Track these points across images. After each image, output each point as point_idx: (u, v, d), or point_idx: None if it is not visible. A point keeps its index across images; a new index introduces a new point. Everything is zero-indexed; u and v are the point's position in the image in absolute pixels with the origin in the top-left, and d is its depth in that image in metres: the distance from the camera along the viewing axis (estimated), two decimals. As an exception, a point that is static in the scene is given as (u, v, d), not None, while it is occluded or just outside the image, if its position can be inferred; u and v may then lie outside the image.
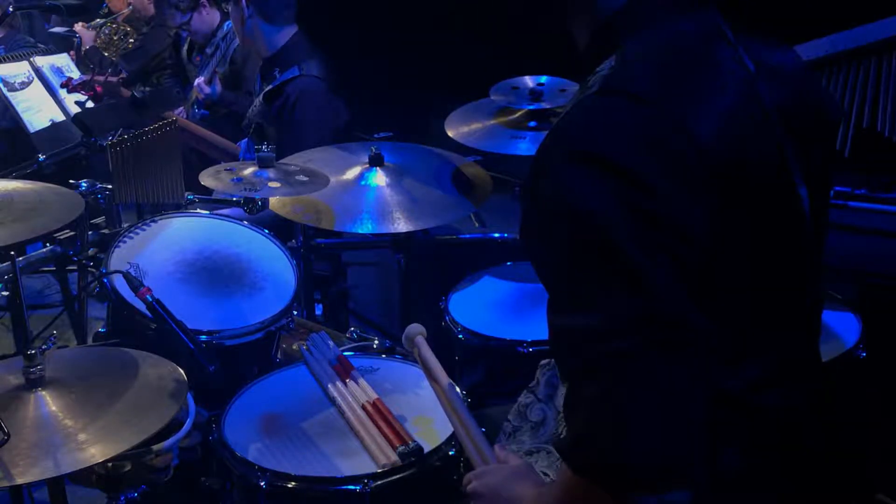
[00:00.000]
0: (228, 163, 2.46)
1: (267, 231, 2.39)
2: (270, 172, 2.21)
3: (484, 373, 2.21)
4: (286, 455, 1.73)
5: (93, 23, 4.91)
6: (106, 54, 4.68)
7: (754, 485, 1.11)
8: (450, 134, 2.58)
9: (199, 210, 2.48)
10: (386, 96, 3.76)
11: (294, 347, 2.24)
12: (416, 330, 1.67)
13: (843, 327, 2.09)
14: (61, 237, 2.16)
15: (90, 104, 3.37)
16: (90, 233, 2.27)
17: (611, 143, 0.99)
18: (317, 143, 2.81)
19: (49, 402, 1.48)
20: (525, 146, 2.50)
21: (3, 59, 3.78)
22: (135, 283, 1.82)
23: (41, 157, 2.94)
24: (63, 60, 4.02)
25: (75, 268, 2.49)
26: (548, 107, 2.54)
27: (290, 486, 1.64)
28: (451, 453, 1.72)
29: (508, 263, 2.59)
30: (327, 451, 1.75)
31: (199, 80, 3.94)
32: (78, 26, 4.92)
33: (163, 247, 2.25)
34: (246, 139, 3.30)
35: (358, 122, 3.23)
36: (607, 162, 0.97)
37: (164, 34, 4.85)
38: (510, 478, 1.32)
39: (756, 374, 1.10)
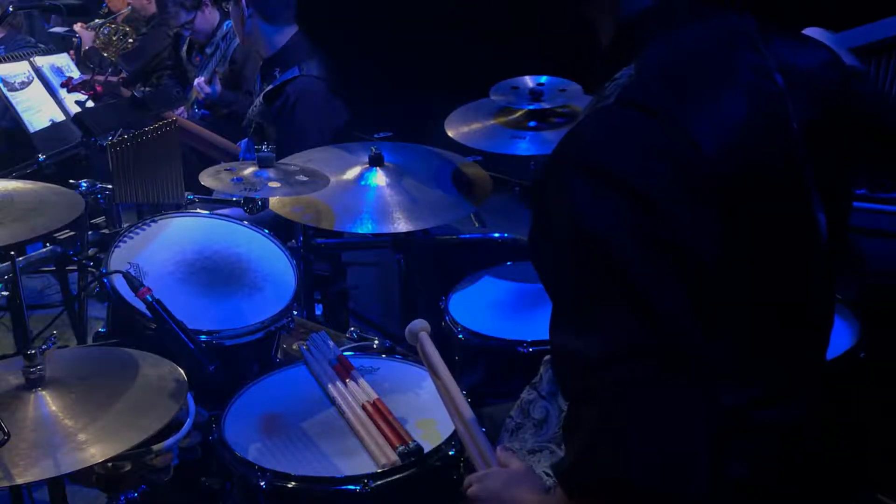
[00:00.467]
0: (228, 163, 2.46)
1: (267, 231, 2.39)
2: (270, 172, 2.21)
3: (484, 373, 2.21)
4: (286, 455, 1.73)
5: (92, 23, 4.91)
6: (105, 55, 4.68)
7: (757, 493, 1.11)
8: (450, 134, 2.58)
9: (199, 210, 2.48)
10: (386, 96, 3.76)
11: (294, 347, 2.24)
12: (419, 325, 1.66)
13: (843, 327, 2.09)
14: (61, 237, 2.16)
15: (90, 104, 3.37)
16: (90, 233, 2.27)
17: (622, 160, 0.96)
18: (317, 143, 2.81)
19: (49, 402, 1.48)
20: (525, 146, 2.50)
21: (3, 59, 3.79)
22: (135, 283, 1.82)
23: (41, 157, 2.95)
24: (63, 60, 4.02)
25: (75, 268, 2.50)
26: (548, 107, 2.54)
27: (290, 486, 1.64)
28: (451, 453, 1.72)
29: (508, 263, 2.59)
30: (327, 451, 1.75)
31: (199, 80, 3.94)
32: (77, 26, 4.92)
33: (163, 247, 2.25)
34: (246, 139, 3.30)
35: (358, 122, 3.23)
36: (617, 179, 0.95)
37: (164, 34, 4.86)
38: (510, 482, 1.32)
39: (758, 390, 1.09)
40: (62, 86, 3.66)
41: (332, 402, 1.90)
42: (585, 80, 2.58)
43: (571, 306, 1.01)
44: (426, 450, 1.70)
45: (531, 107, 2.54)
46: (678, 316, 0.95)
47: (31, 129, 3.54)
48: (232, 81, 4.08)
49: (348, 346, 2.18)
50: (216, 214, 2.47)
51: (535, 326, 2.21)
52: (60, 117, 3.68)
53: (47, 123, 3.62)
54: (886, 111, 1.26)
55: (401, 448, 1.68)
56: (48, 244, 2.18)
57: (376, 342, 2.22)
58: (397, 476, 1.65)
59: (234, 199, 2.45)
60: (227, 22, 4.20)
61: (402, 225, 2.27)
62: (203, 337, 2.00)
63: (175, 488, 1.80)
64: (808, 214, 1.10)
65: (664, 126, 0.98)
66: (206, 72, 4.06)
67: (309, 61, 3.11)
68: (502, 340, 2.16)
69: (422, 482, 1.68)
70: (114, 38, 4.69)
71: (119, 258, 2.13)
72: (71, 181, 2.28)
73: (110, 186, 2.28)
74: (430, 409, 1.85)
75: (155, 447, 1.63)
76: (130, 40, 4.74)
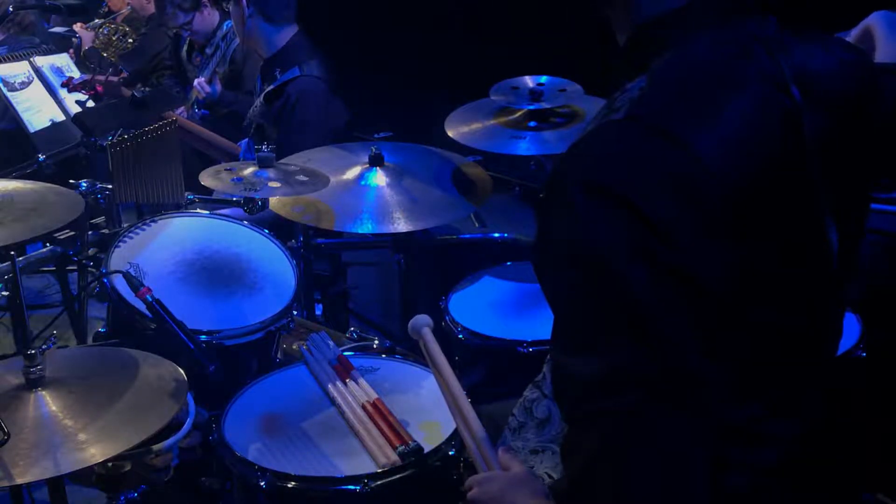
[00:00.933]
0: (228, 163, 2.46)
1: (267, 231, 2.39)
2: (270, 172, 2.21)
3: (484, 373, 2.21)
4: (286, 455, 1.73)
5: (91, 23, 4.91)
6: (105, 55, 4.68)
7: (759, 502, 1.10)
8: (450, 134, 2.58)
9: (199, 210, 2.48)
10: (386, 96, 3.76)
11: (294, 347, 2.24)
12: (423, 321, 1.64)
13: (843, 327, 2.09)
14: (61, 237, 2.16)
15: (90, 104, 3.37)
16: (90, 233, 2.27)
17: (628, 181, 0.93)
18: (317, 143, 2.81)
19: (49, 402, 1.48)
20: (525, 146, 2.49)
21: (3, 59, 3.79)
22: (135, 283, 1.82)
23: (41, 157, 2.95)
24: (63, 60, 4.03)
25: (75, 268, 2.50)
26: (548, 107, 2.53)
27: (290, 486, 1.64)
28: (451, 453, 1.72)
29: (508, 263, 2.59)
30: (327, 451, 1.75)
31: (200, 80, 3.94)
32: (77, 26, 4.92)
33: (163, 247, 2.25)
34: (246, 139, 3.30)
35: (358, 122, 3.23)
36: (622, 200, 0.92)
37: (164, 34, 4.85)
38: (510, 486, 1.31)
39: (758, 408, 1.07)
40: (63, 86, 3.66)
41: (332, 402, 1.90)
42: (585, 80, 2.59)
43: (572, 326, 0.99)
44: (426, 450, 1.70)
45: (531, 107, 2.54)
46: (680, 342, 0.93)
47: (31, 129, 3.54)
48: (232, 81, 4.08)
49: (348, 346, 2.18)
50: (216, 214, 2.47)
51: (535, 326, 2.21)
52: (60, 117, 3.68)
53: (47, 123, 3.63)
54: None
55: (401, 448, 1.68)
56: (48, 244, 2.18)
57: (376, 342, 2.22)
58: (397, 476, 1.65)
59: (234, 199, 2.45)
60: (227, 22, 4.20)
61: (402, 225, 2.27)
62: (203, 337, 2.00)
63: (175, 488, 1.80)
64: (819, 237, 1.07)
65: (674, 148, 0.95)
66: (207, 72, 4.06)
67: (309, 61, 3.11)
68: (502, 340, 2.16)
69: (422, 482, 1.68)
70: (113, 39, 4.69)
71: (119, 258, 2.13)
72: (71, 181, 2.28)
73: (110, 186, 2.28)
74: (430, 410, 1.85)
75: (155, 447, 1.62)
76: (130, 40, 4.74)
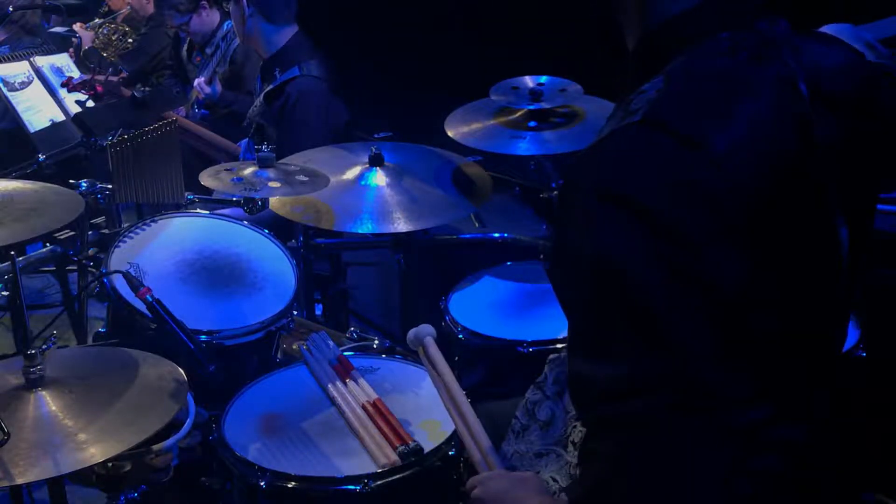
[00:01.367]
0: (228, 163, 2.46)
1: (267, 231, 2.39)
2: (270, 172, 2.21)
3: (484, 373, 2.21)
4: (286, 455, 1.73)
5: (91, 23, 4.91)
6: (105, 55, 4.68)
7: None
8: (450, 134, 2.58)
9: (199, 210, 2.48)
10: (386, 96, 3.76)
11: (294, 347, 2.24)
12: (426, 331, 1.64)
13: (846, 337, 2.09)
14: (61, 237, 2.16)
15: (90, 104, 3.37)
16: (90, 233, 2.27)
17: (646, 188, 0.93)
18: (317, 143, 2.81)
19: (49, 402, 1.48)
20: (525, 146, 2.49)
21: (4, 58, 3.79)
22: (135, 283, 1.82)
23: (41, 157, 2.95)
24: (63, 60, 4.02)
25: (75, 268, 2.50)
26: (548, 107, 2.53)
27: (290, 486, 1.64)
28: (451, 453, 1.72)
29: (508, 263, 2.59)
30: (327, 451, 1.75)
31: (200, 81, 3.94)
32: (77, 26, 4.92)
33: (163, 247, 2.25)
34: (246, 139, 3.30)
35: (358, 122, 3.23)
36: (640, 207, 0.92)
37: (163, 34, 4.86)
38: (514, 485, 1.32)
39: (769, 412, 1.07)
40: (62, 85, 3.66)
41: (332, 402, 1.90)
42: (585, 80, 2.59)
43: (590, 333, 0.99)
44: (426, 450, 1.70)
45: (531, 107, 2.54)
46: (698, 350, 0.93)
47: (31, 129, 3.54)
48: (232, 81, 4.09)
49: (348, 346, 2.18)
50: (216, 214, 2.47)
51: (535, 326, 2.21)
52: (60, 117, 3.68)
53: (47, 123, 3.62)
54: None
55: (401, 448, 1.68)
56: (48, 244, 2.18)
57: (376, 342, 2.22)
58: (397, 476, 1.65)
59: (234, 199, 2.44)
60: (227, 22, 4.21)
61: (402, 225, 2.27)
62: (203, 337, 2.00)
63: (175, 488, 1.80)
64: (830, 237, 1.08)
65: (691, 151, 0.95)
66: (206, 72, 4.07)
67: (309, 61, 3.11)
68: (502, 340, 2.16)
69: (422, 482, 1.68)
70: (113, 38, 4.70)
71: (119, 258, 2.13)
72: (71, 181, 2.28)
73: (110, 186, 2.28)
74: (430, 410, 1.85)
75: (155, 447, 1.62)
76: (130, 40, 4.74)
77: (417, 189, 2.40)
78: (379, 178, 2.42)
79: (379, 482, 1.63)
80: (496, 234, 2.86)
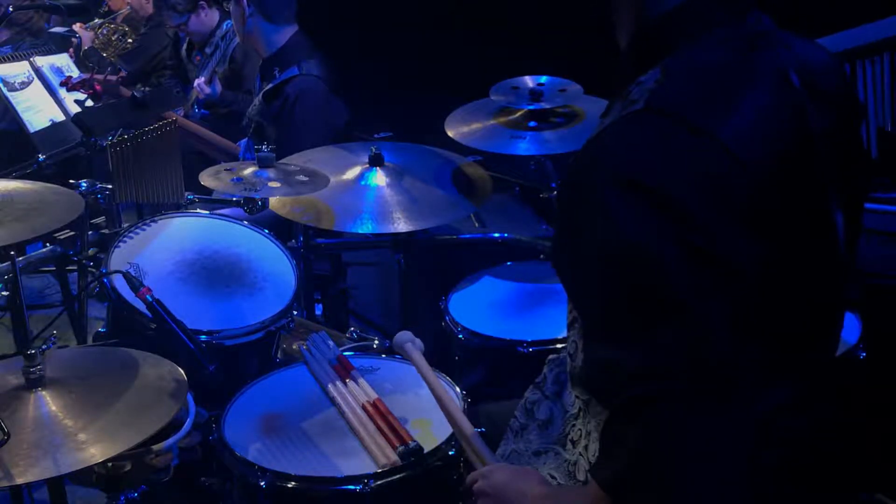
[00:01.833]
0: (228, 163, 2.46)
1: (267, 231, 2.39)
2: (270, 172, 2.21)
3: (484, 373, 2.21)
4: (286, 455, 1.73)
5: (91, 23, 4.91)
6: (104, 55, 4.68)
7: (762, 497, 1.10)
8: (450, 134, 2.58)
9: (199, 210, 2.48)
10: (386, 96, 3.76)
11: (294, 347, 2.24)
12: (405, 338, 1.72)
13: (843, 327, 2.09)
14: (61, 237, 2.16)
15: (90, 103, 3.37)
16: (90, 233, 2.27)
17: (662, 174, 0.95)
18: (316, 142, 2.81)
19: (49, 402, 1.48)
20: (525, 146, 2.49)
21: (4, 59, 3.78)
22: (135, 283, 1.82)
23: (41, 157, 2.94)
24: (63, 60, 4.02)
25: (75, 268, 2.50)
26: (548, 107, 2.53)
27: (290, 486, 1.64)
28: (450, 453, 1.72)
29: (508, 263, 2.59)
30: (327, 451, 1.75)
31: (199, 81, 3.94)
32: (77, 26, 4.92)
33: (163, 247, 2.25)
34: (246, 139, 3.30)
35: (358, 122, 3.23)
36: (657, 193, 0.93)
37: (163, 34, 4.86)
38: (516, 475, 1.32)
39: (778, 398, 1.08)
40: (61, 84, 3.66)
41: (332, 402, 1.90)
42: (585, 80, 2.59)
43: (611, 319, 0.99)
44: (426, 450, 1.70)
45: (531, 107, 2.54)
46: (722, 331, 0.94)
47: (31, 129, 3.54)
48: (232, 80, 4.09)
49: (348, 346, 2.18)
50: (216, 214, 2.47)
51: (535, 326, 2.21)
52: (60, 117, 3.68)
53: (47, 123, 3.62)
54: None
55: (401, 448, 1.68)
56: (48, 244, 2.18)
57: (376, 342, 2.21)
58: (397, 476, 1.65)
59: (234, 199, 2.44)
60: (226, 22, 4.21)
61: (402, 225, 2.27)
62: (203, 337, 2.00)
63: (175, 488, 1.80)
64: (828, 224, 1.10)
65: (699, 137, 0.97)
66: (206, 72, 4.07)
67: (308, 61, 3.11)
68: (502, 340, 2.16)
69: (422, 482, 1.68)
70: (113, 38, 4.70)
71: (119, 258, 2.13)
72: (71, 181, 2.28)
73: (110, 186, 2.28)
74: (429, 410, 1.85)
75: (155, 447, 1.62)
76: (130, 40, 4.74)
77: (417, 189, 2.40)
78: (379, 178, 2.42)
79: (379, 482, 1.63)
80: (496, 234, 2.86)
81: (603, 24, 1.18)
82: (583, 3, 1.19)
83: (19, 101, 3.58)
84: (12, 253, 1.80)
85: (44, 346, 1.55)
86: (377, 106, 3.63)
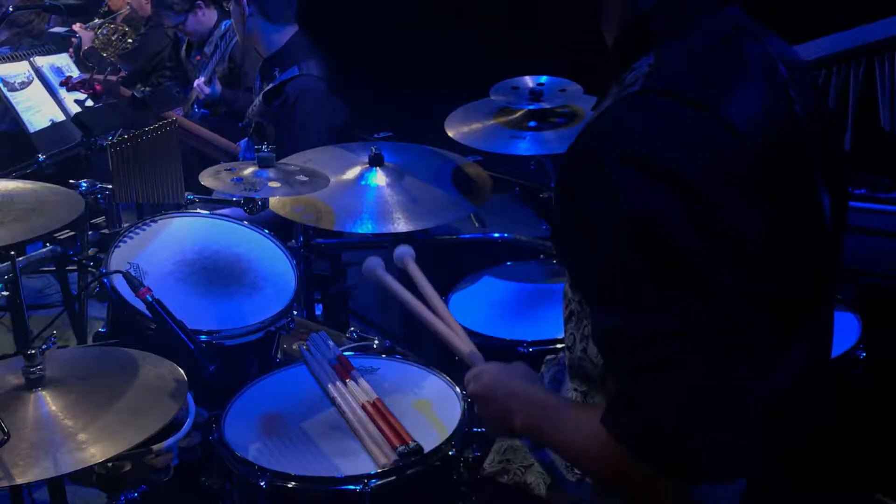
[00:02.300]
0: (228, 163, 2.46)
1: (267, 231, 2.39)
2: (270, 172, 2.21)
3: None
4: (286, 455, 1.73)
5: (91, 23, 4.91)
6: (104, 55, 4.68)
7: (759, 493, 1.11)
8: (450, 134, 2.58)
9: (199, 210, 2.48)
10: (386, 96, 3.76)
11: (294, 347, 2.24)
12: (406, 251, 1.86)
13: (842, 327, 2.09)
14: (61, 237, 2.15)
15: (90, 104, 3.37)
16: (90, 233, 2.27)
17: (666, 149, 0.98)
18: (316, 142, 2.81)
19: (49, 402, 1.48)
20: (525, 146, 2.49)
21: (4, 58, 3.78)
22: (135, 283, 1.82)
23: (41, 157, 2.94)
24: (63, 60, 4.02)
25: (75, 268, 2.49)
26: (548, 107, 2.54)
27: (290, 486, 1.64)
28: (451, 453, 1.72)
29: (508, 263, 2.59)
30: (327, 451, 1.75)
31: (199, 81, 3.94)
32: (77, 26, 4.91)
33: (163, 247, 2.25)
34: (246, 139, 3.30)
35: (358, 122, 3.23)
36: (663, 168, 0.97)
37: (163, 34, 4.86)
38: (502, 372, 1.36)
39: (780, 379, 1.10)
40: (61, 84, 3.66)
41: (332, 402, 1.90)
42: (585, 80, 2.59)
43: (623, 289, 1.01)
44: (426, 450, 1.70)
45: (531, 107, 2.54)
46: (734, 296, 0.97)
47: (31, 129, 3.54)
48: (231, 79, 4.09)
49: (348, 346, 2.18)
50: (216, 214, 2.47)
51: (535, 326, 2.21)
52: (60, 117, 3.68)
53: (47, 123, 3.62)
54: None
55: (401, 448, 1.68)
56: (48, 244, 2.18)
57: (376, 342, 2.22)
58: (397, 476, 1.65)
59: (234, 199, 2.44)
60: (225, 21, 4.20)
61: (402, 225, 2.27)
62: (203, 337, 2.00)
63: (175, 488, 1.80)
64: (816, 203, 1.14)
65: (701, 112, 1.00)
66: (206, 72, 4.07)
67: (308, 61, 3.11)
68: (502, 340, 2.16)
69: (422, 482, 1.69)
70: (113, 38, 4.69)
71: (119, 258, 2.13)
72: (71, 181, 2.28)
73: (110, 186, 2.28)
74: (428, 393, 1.85)
75: (155, 447, 1.62)
76: (129, 40, 4.74)
77: (417, 189, 2.40)
78: (379, 178, 2.42)
79: (379, 482, 1.63)
80: (496, 234, 2.87)
81: (591, 18, 1.20)
82: (583, 3, 1.21)
83: (19, 101, 3.58)
84: (12, 253, 1.80)
85: (44, 346, 1.55)
86: (377, 106, 3.63)
